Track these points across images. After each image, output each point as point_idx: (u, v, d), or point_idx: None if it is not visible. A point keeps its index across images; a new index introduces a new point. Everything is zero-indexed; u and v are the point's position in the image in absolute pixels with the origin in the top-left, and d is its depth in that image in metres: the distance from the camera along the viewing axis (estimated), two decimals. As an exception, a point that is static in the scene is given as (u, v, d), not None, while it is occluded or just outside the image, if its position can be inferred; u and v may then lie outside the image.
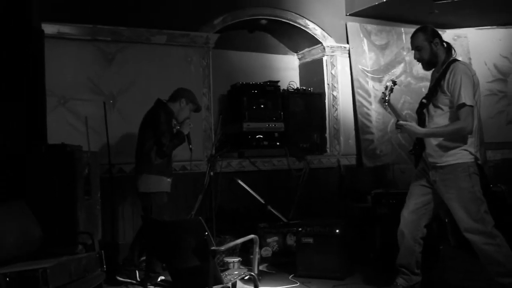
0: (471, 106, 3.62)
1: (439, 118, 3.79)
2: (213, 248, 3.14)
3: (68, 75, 5.41)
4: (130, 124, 5.31)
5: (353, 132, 7.05)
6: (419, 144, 3.96)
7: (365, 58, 7.12)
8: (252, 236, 3.68)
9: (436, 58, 3.87)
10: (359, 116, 6.99)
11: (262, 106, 6.41)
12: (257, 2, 6.51)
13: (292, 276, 4.79)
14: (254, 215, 5.86)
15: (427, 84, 4.17)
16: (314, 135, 6.83)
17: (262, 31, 7.19)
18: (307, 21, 6.81)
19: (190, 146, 4.82)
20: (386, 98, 3.78)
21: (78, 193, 4.31)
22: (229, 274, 3.62)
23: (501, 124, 7.50)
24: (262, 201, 5.92)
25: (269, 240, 5.54)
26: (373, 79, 7.12)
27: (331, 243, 4.70)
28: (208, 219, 5.06)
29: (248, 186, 5.95)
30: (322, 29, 6.92)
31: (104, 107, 5.21)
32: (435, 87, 3.81)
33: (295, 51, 7.47)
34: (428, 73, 4.09)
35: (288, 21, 6.72)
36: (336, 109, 6.97)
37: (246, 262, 4.89)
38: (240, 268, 4.50)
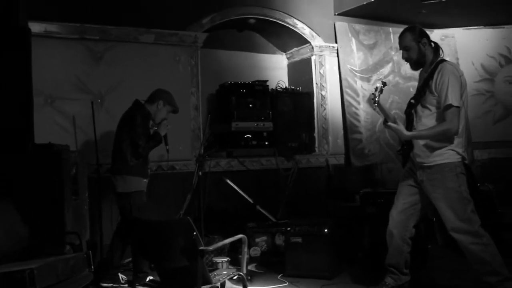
0: (458, 107, 3.64)
1: (427, 119, 3.80)
2: (201, 248, 3.14)
3: (56, 74, 5.37)
4: (118, 123, 5.28)
5: (341, 132, 7.06)
6: (407, 144, 3.96)
7: (353, 58, 7.14)
8: (240, 236, 3.68)
9: (424, 58, 3.88)
10: (347, 115, 7.00)
11: (250, 105, 6.40)
12: (245, 1, 6.50)
13: (281, 276, 4.79)
14: (243, 215, 5.85)
15: (415, 83, 4.19)
16: (302, 134, 6.83)
17: (251, 31, 7.19)
18: (295, 20, 6.81)
19: (167, 147, 4.82)
20: (376, 99, 3.77)
21: (65, 193, 4.27)
22: (218, 274, 3.62)
23: (488, 124, 7.55)
24: (250, 200, 5.93)
25: (257, 239, 5.54)
26: (361, 78, 7.14)
27: (319, 242, 4.71)
28: (197, 218, 5.06)
29: (237, 186, 5.95)
30: (310, 28, 6.92)
31: (92, 106, 5.18)
32: (423, 88, 3.82)
33: (284, 50, 7.47)
34: (416, 73, 4.10)
35: (276, 21, 6.71)
36: (325, 109, 6.98)
37: (235, 262, 4.90)
38: (229, 268, 4.49)
